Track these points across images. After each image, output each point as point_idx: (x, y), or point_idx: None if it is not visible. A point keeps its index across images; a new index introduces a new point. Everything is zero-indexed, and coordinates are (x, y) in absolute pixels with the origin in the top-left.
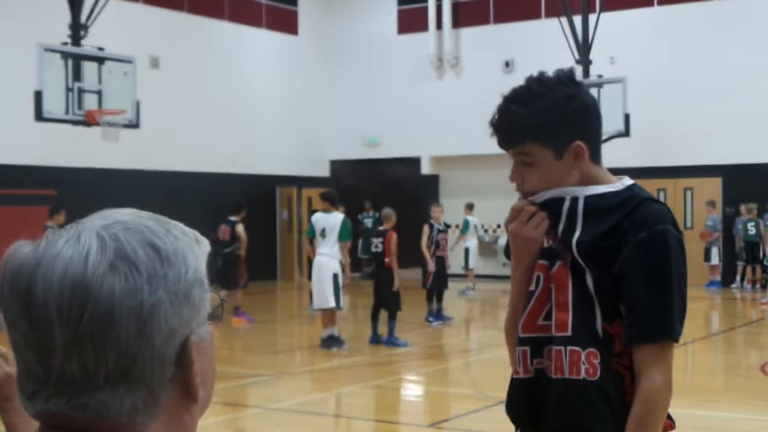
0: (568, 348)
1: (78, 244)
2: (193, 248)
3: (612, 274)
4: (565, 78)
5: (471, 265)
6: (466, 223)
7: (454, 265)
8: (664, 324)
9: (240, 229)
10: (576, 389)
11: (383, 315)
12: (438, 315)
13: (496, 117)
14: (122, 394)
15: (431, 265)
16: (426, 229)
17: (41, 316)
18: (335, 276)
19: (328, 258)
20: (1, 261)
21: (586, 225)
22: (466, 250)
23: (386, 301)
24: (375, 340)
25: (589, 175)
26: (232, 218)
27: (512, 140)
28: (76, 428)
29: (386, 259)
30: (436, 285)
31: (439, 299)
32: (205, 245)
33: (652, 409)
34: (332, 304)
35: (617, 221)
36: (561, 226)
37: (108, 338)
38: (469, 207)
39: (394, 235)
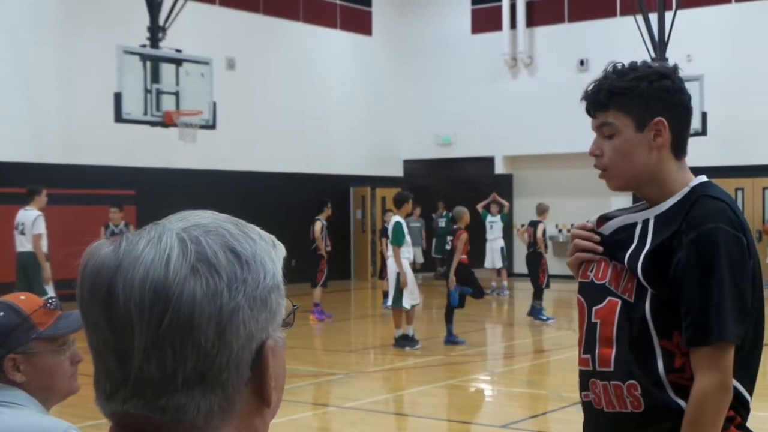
0: (612, 383)
1: (159, 246)
2: (270, 253)
3: (669, 279)
4: (667, 66)
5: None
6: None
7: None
8: (716, 325)
9: (315, 226)
10: (630, 422)
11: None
12: (541, 311)
13: (591, 85)
14: (199, 397)
15: (545, 258)
16: (542, 228)
17: (121, 318)
18: (397, 276)
19: (391, 259)
20: (81, 261)
21: (654, 239)
22: (502, 249)
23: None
24: (450, 340)
25: (664, 168)
26: (317, 217)
27: (598, 104)
28: (150, 431)
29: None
30: (547, 282)
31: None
32: (281, 250)
33: (702, 412)
34: (389, 303)
35: (678, 224)
36: (631, 250)
37: (187, 342)
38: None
39: (464, 234)
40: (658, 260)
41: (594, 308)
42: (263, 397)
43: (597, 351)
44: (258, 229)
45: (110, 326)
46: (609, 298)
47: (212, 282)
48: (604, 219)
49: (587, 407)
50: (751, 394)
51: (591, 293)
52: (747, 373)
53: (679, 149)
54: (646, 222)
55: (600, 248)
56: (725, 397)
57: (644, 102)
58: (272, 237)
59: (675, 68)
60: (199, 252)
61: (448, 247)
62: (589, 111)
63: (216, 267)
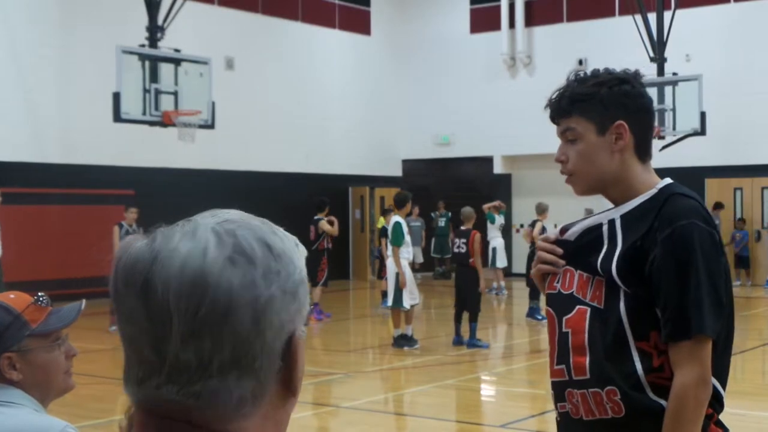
0: (590, 390)
1: (195, 238)
2: (295, 251)
3: (645, 277)
4: (628, 71)
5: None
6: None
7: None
8: (694, 320)
9: (322, 223)
10: (612, 427)
11: (466, 316)
12: (537, 311)
13: (555, 93)
14: (232, 384)
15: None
16: (539, 226)
17: (160, 308)
18: (396, 276)
19: (391, 259)
20: (115, 257)
21: (626, 239)
22: (494, 250)
23: (469, 302)
24: (458, 341)
25: (628, 170)
26: (317, 216)
27: (561, 111)
28: (181, 417)
29: (470, 259)
30: None
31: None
32: (303, 251)
33: (683, 406)
34: (389, 303)
35: (650, 223)
36: (603, 252)
37: (224, 330)
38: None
39: (478, 234)
40: (632, 260)
41: (564, 318)
42: (290, 387)
43: (571, 360)
44: (282, 229)
45: (148, 316)
46: (578, 306)
47: (249, 272)
48: (565, 229)
49: (564, 418)
50: (724, 390)
51: (559, 304)
52: (721, 370)
53: (642, 152)
54: (612, 222)
55: (561, 261)
56: (705, 391)
57: (604, 107)
58: (295, 238)
59: (636, 73)
60: (235, 244)
61: (456, 249)
62: (553, 118)
63: (252, 258)
